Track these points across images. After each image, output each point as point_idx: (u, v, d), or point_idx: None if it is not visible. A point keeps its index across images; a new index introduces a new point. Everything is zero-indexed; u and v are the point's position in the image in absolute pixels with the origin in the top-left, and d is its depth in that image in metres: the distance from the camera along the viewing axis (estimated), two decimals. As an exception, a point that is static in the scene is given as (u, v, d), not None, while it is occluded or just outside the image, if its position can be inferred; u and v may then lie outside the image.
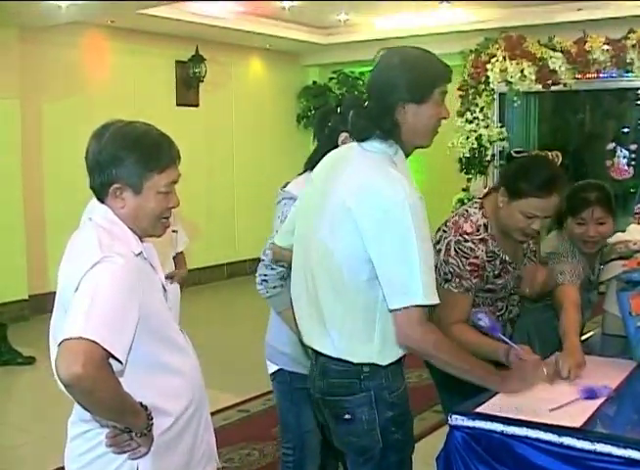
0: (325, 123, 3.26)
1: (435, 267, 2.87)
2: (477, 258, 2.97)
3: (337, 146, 3.10)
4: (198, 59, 10.46)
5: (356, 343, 2.49)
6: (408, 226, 2.34)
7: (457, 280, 2.96)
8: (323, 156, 3.09)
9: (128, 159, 2.18)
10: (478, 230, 3.00)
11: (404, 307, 2.35)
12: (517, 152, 3.28)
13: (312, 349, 2.63)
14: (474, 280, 2.98)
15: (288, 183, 3.29)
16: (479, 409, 2.52)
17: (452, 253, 2.97)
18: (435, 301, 2.38)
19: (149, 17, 8.88)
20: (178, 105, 10.54)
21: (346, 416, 2.54)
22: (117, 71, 9.83)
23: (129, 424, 2.15)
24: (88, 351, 1.96)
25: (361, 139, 2.57)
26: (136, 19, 8.95)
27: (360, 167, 2.51)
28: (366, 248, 2.39)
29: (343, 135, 3.11)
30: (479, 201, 3.10)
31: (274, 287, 3.15)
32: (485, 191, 3.14)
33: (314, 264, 2.55)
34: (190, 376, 2.36)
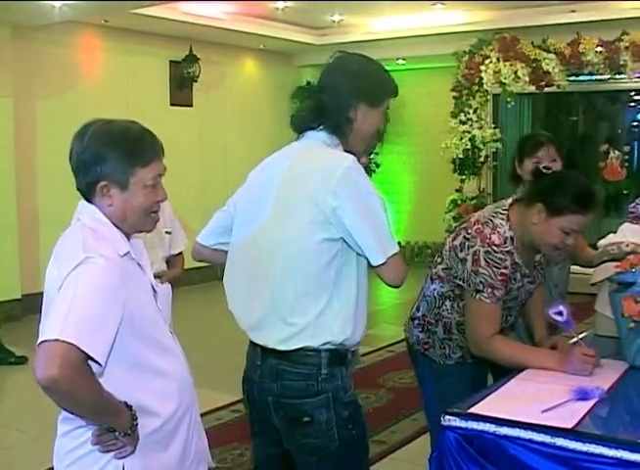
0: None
1: (465, 280, 3.00)
2: (506, 268, 2.97)
3: None
4: (191, 59, 10.46)
5: (317, 326, 2.52)
6: (365, 184, 2.55)
7: (489, 290, 2.95)
8: None
9: (112, 155, 2.19)
10: (505, 242, 2.98)
11: (388, 258, 2.54)
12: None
13: (261, 347, 2.62)
14: (503, 290, 2.98)
15: None
16: (471, 410, 2.52)
17: (482, 263, 2.95)
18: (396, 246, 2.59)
19: (142, 16, 8.88)
20: (172, 105, 10.53)
21: (305, 419, 2.56)
22: (111, 71, 9.82)
23: (112, 424, 2.15)
24: (65, 353, 1.96)
25: (303, 129, 2.71)
26: (130, 18, 8.95)
27: (302, 153, 2.65)
28: (335, 223, 2.49)
29: None
30: (504, 212, 3.07)
31: None
32: (510, 202, 3.12)
33: (265, 257, 2.59)
34: (178, 378, 2.35)
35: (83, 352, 1.98)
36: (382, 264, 2.55)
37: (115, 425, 2.15)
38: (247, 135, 11.52)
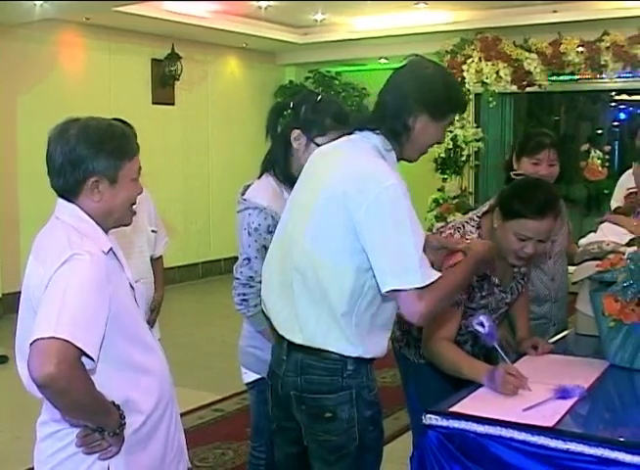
0: (277, 121, 3.19)
1: None
2: None
3: (289, 144, 3.07)
4: (174, 57, 10.43)
5: (339, 334, 2.48)
6: (401, 209, 2.36)
7: None
8: (277, 155, 3.08)
9: (104, 151, 2.23)
10: None
11: (402, 289, 2.32)
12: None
13: (289, 341, 2.58)
14: (463, 296, 2.96)
15: (248, 186, 3.17)
16: (453, 409, 2.52)
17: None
18: (433, 277, 2.34)
19: (125, 14, 8.83)
20: (154, 103, 10.50)
21: (327, 414, 2.53)
22: (93, 69, 9.77)
23: (102, 423, 2.15)
24: (61, 350, 1.97)
25: (357, 128, 2.58)
26: (112, 16, 8.91)
27: (349, 156, 2.52)
28: (359, 235, 2.38)
29: (296, 132, 3.04)
30: (477, 219, 3.08)
31: (255, 305, 3.04)
32: (485, 209, 3.11)
33: (298, 255, 2.53)
34: (158, 374, 2.36)
35: (78, 348, 1.99)
36: (395, 291, 2.35)
37: (105, 424, 2.15)
38: (229, 134, 11.50)
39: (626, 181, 5.68)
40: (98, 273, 2.13)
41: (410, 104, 2.50)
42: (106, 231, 2.31)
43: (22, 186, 9.01)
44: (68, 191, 2.27)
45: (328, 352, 2.50)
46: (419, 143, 2.57)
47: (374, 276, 2.39)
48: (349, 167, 2.47)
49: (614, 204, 6.80)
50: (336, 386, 2.52)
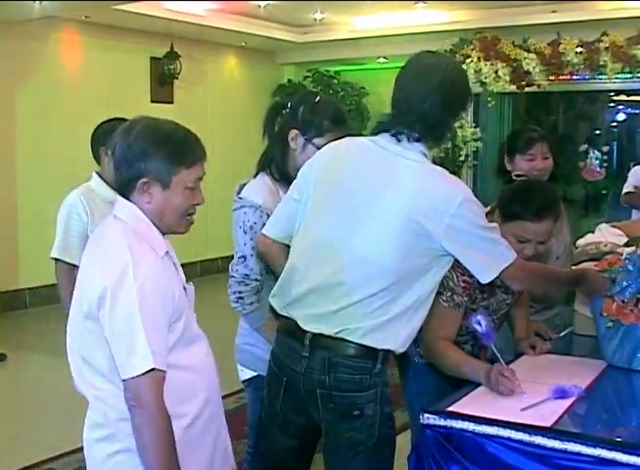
0: (274, 120, 3.20)
1: None
2: (471, 276, 2.96)
3: (286, 143, 3.08)
4: (172, 55, 10.42)
5: (388, 330, 2.53)
6: (478, 216, 2.56)
7: (449, 294, 2.94)
8: (274, 154, 3.08)
9: (158, 153, 2.20)
10: None
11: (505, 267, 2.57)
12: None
13: (313, 337, 2.56)
14: (465, 297, 2.97)
15: (243, 185, 3.17)
16: (450, 408, 2.53)
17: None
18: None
19: (124, 12, 8.82)
20: (152, 101, 10.48)
21: (356, 412, 2.55)
22: (91, 67, 9.75)
23: None
24: (148, 384, 2.08)
25: (393, 133, 2.59)
26: (111, 14, 8.90)
27: (423, 178, 2.55)
28: (444, 247, 2.50)
29: (293, 132, 3.06)
30: None
31: (251, 303, 3.06)
32: (487, 210, 3.11)
33: (345, 258, 2.53)
34: (207, 375, 2.37)
35: (160, 370, 2.10)
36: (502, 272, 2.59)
37: None
38: (228, 132, 11.48)
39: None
40: (161, 280, 2.16)
41: (454, 109, 2.63)
42: (162, 233, 2.29)
43: (21, 184, 8.99)
44: (122, 187, 2.26)
45: (365, 346, 2.52)
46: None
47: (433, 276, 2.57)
48: (415, 182, 2.52)
49: (625, 189, 6.86)
50: (364, 384, 2.55)
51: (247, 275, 3.03)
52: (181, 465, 2.19)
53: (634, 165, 7.42)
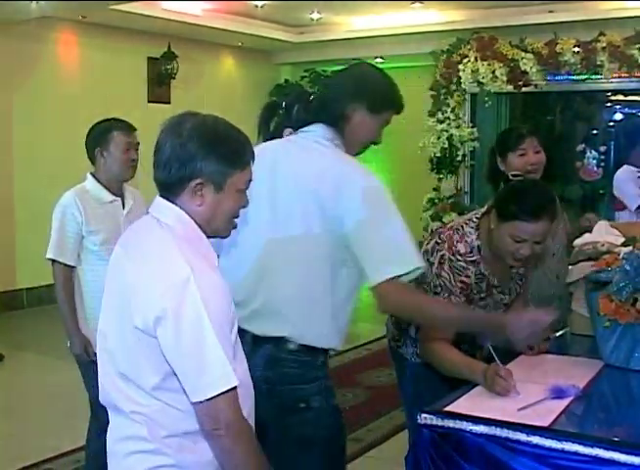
0: (269, 119, 3.21)
1: (428, 282, 2.99)
2: (468, 277, 2.96)
3: None
4: (170, 56, 10.43)
5: (320, 327, 2.56)
6: (388, 204, 2.55)
7: (446, 295, 2.95)
8: None
9: (215, 153, 2.07)
10: (471, 252, 2.99)
11: (391, 278, 2.48)
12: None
13: (254, 335, 2.59)
14: (462, 298, 2.98)
15: None
16: (448, 408, 2.53)
17: (445, 267, 2.97)
18: (421, 263, 2.55)
19: (121, 13, 8.83)
20: (149, 102, 10.49)
21: (302, 405, 2.58)
22: (89, 67, 9.76)
23: None
24: (231, 401, 1.99)
25: (304, 124, 2.74)
26: (108, 14, 8.90)
27: (325, 157, 2.63)
28: (346, 232, 2.50)
29: (288, 131, 3.07)
30: (476, 221, 3.07)
31: None
32: (484, 210, 3.11)
33: (272, 252, 2.59)
34: (246, 386, 2.22)
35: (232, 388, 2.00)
36: (383, 282, 2.51)
37: None
38: (225, 133, 11.49)
39: None
40: (220, 290, 2.05)
41: (348, 96, 2.68)
42: (207, 237, 2.17)
43: (18, 185, 8.99)
44: (169, 187, 2.10)
45: (306, 345, 2.56)
46: (358, 135, 2.72)
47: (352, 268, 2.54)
48: (331, 170, 2.59)
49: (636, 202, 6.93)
50: (307, 376, 2.58)
51: None
52: None
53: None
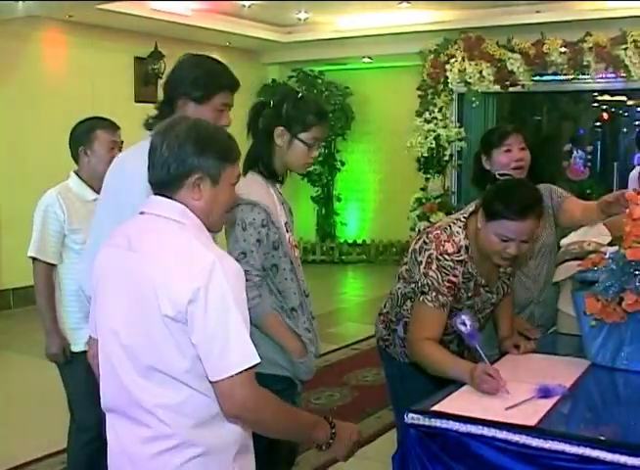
0: (258, 118, 3.23)
1: (416, 281, 2.99)
2: (455, 276, 2.97)
3: (272, 141, 3.11)
4: (157, 55, 10.40)
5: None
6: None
7: (433, 294, 2.95)
8: (260, 153, 3.12)
9: (210, 149, 2.19)
10: (459, 251, 2.99)
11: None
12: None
13: None
14: (449, 297, 2.98)
15: None
16: (435, 408, 2.53)
17: (433, 267, 2.96)
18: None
19: (108, 12, 8.81)
20: (137, 101, 10.45)
21: None
22: (75, 66, 9.72)
23: (311, 439, 2.22)
24: (248, 381, 2.06)
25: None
26: (95, 14, 8.88)
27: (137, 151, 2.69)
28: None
29: (279, 129, 3.10)
30: (463, 220, 3.07)
31: (252, 298, 2.94)
32: (471, 210, 3.11)
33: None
34: None
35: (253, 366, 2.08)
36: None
37: (315, 439, 2.23)
38: (212, 132, 11.47)
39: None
40: (241, 281, 2.15)
41: (174, 93, 2.83)
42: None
43: (2, 185, 8.92)
44: (167, 185, 2.18)
45: None
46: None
47: None
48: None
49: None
50: None
51: (247, 271, 3.02)
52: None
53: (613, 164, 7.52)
